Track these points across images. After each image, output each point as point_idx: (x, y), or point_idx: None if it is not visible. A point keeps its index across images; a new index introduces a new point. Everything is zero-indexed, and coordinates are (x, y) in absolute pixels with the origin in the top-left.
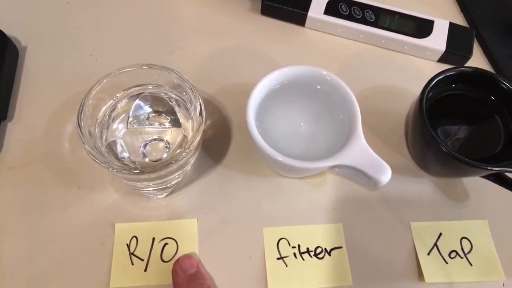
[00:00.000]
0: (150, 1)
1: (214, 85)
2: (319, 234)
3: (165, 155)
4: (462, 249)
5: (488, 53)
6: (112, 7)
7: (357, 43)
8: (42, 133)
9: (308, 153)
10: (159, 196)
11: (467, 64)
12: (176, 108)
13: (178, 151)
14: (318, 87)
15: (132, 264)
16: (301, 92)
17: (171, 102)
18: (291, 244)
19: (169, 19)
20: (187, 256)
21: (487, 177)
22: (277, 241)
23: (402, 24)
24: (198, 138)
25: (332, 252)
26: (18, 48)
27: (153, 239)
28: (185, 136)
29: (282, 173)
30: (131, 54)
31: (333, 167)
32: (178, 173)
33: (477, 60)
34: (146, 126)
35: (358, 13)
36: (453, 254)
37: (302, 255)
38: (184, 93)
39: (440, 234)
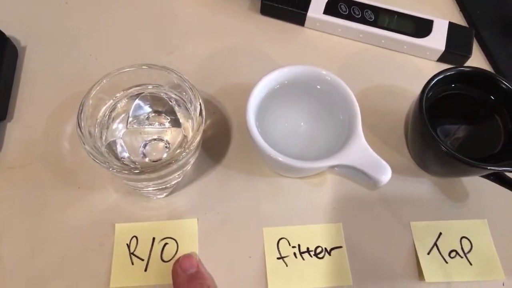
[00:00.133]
0: (149, 1)
1: (213, 85)
2: (319, 234)
3: (165, 155)
4: (462, 248)
5: (488, 53)
6: (112, 7)
7: (356, 43)
8: (41, 133)
9: (308, 153)
10: (159, 196)
11: (466, 64)
12: (176, 108)
13: (178, 151)
14: (318, 87)
15: (132, 264)
16: (301, 92)
17: (171, 102)
18: (291, 244)
19: (168, 19)
20: (187, 256)
21: (487, 176)
22: (277, 241)
23: (401, 23)
24: (198, 138)
25: (332, 252)
26: (17, 48)
27: (153, 239)
28: (185, 136)
29: (282, 173)
30: (131, 54)
31: (333, 166)
32: (178, 173)
33: (477, 60)
34: (146, 126)
35: (357, 13)
36: (453, 254)
37: (302, 254)
38: (184, 93)
39: (440, 233)
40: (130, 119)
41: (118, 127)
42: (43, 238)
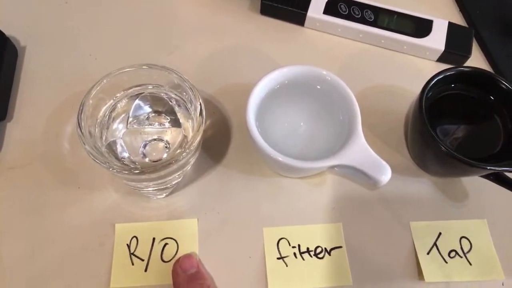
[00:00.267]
0: (149, 1)
1: (213, 85)
2: (319, 234)
3: (165, 155)
4: (461, 248)
5: (487, 53)
6: (112, 7)
7: (356, 43)
8: (41, 133)
9: (308, 153)
10: (159, 196)
11: (466, 64)
12: (176, 108)
13: (178, 151)
14: (318, 87)
15: (133, 264)
16: (301, 92)
17: (171, 102)
18: (291, 244)
19: (168, 19)
20: (187, 256)
21: (487, 176)
22: (277, 241)
23: (401, 23)
24: (198, 138)
25: (332, 252)
26: (17, 48)
27: (153, 239)
28: (185, 136)
29: (282, 173)
30: (131, 54)
31: (333, 167)
32: (178, 173)
33: (476, 60)
34: (146, 126)
35: (357, 13)
36: (452, 254)
37: (302, 254)
38: (184, 93)
39: (440, 233)
40: (130, 119)
41: (118, 127)
42: (43, 238)
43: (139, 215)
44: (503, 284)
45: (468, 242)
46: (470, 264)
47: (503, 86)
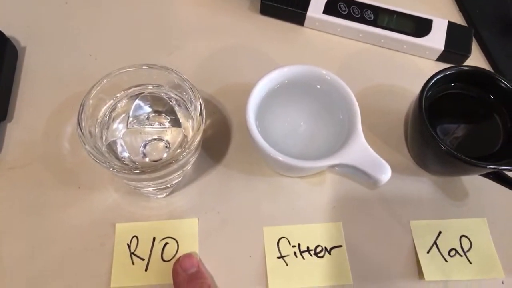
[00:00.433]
0: (149, 1)
1: (213, 85)
2: (319, 233)
3: (165, 155)
4: (461, 247)
5: (487, 52)
6: (112, 7)
7: (356, 43)
8: (41, 134)
9: (307, 152)
10: (159, 196)
11: (465, 63)
12: (176, 108)
13: (178, 151)
14: (318, 86)
15: (133, 263)
16: (301, 92)
17: (171, 102)
18: (291, 243)
19: (168, 19)
20: (188, 256)
21: (486, 175)
22: (277, 240)
23: (400, 23)
24: (198, 138)
25: (332, 251)
26: (17, 49)
27: (154, 238)
28: (185, 136)
29: (282, 172)
30: (131, 54)
31: (333, 166)
32: (178, 173)
33: (476, 59)
34: (146, 126)
35: (357, 13)
36: (452, 252)
37: (302, 254)
38: (184, 93)
39: (440, 232)
40: (130, 119)
41: (119, 127)
42: (43, 238)
43: (139, 214)
44: (503, 283)
45: (468, 241)
46: (470, 263)
47: (503, 85)
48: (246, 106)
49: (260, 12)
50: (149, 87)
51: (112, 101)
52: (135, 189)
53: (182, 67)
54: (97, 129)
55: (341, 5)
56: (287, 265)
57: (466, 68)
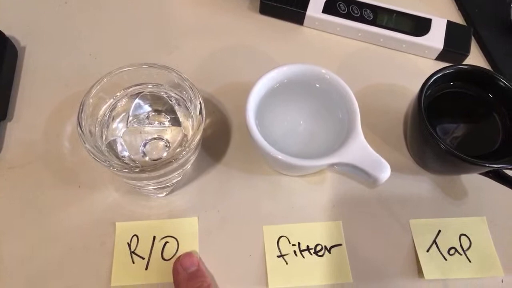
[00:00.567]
0: (149, 1)
1: (213, 84)
2: (318, 232)
3: (165, 154)
4: (461, 246)
5: (486, 51)
6: (111, 7)
7: (355, 42)
8: (41, 133)
9: (307, 151)
10: (159, 195)
11: (464, 62)
12: (176, 107)
13: (178, 150)
14: (317, 85)
15: (133, 262)
16: (300, 91)
17: (171, 101)
18: (291, 242)
19: (168, 19)
20: (188, 254)
21: (485, 174)
22: (277, 239)
23: (400, 22)
24: (198, 137)
25: (332, 250)
26: (17, 48)
27: (154, 237)
28: (185, 135)
29: (281, 171)
30: (131, 54)
31: (333, 165)
32: (178, 171)
33: (475, 58)
34: (146, 125)
35: (356, 12)
36: (452, 251)
37: (302, 252)
38: (184, 92)
39: (439, 231)
40: (130, 118)
41: (118, 126)
42: (43, 237)
43: (139, 213)
44: (502, 281)
45: (468, 240)
46: (470, 261)
47: (502, 84)
48: (246, 105)
49: (259, 11)
50: (149, 86)
51: (112, 100)
52: (135, 188)
53: (182, 66)
54: (97, 128)
55: (340, 5)
56: (287, 263)
57: (465, 67)
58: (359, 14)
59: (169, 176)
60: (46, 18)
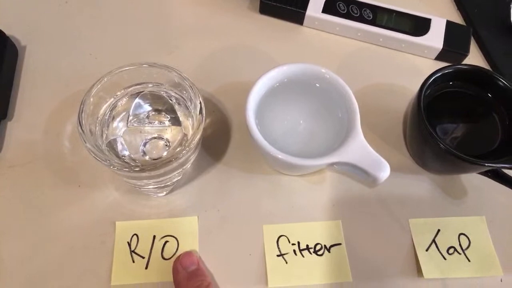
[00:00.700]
0: (149, 1)
1: (213, 84)
2: (318, 231)
3: (165, 153)
4: (460, 245)
5: (485, 51)
6: (111, 7)
7: (355, 41)
8: (42, 132)
9: (307, 150)
10: (159, 194)
11: (464, 62)
12: (176, 107)
13: (178, 149)
14: (317, 85)
15: (133, 261)
16: (300, 90)
17: (171, 100)
18: (291, 241)
19: (168, 19)
20: (188, 254)
21: (485, 173)
22: (277, 238)
23: (399, 22)
24: (198, 136)
25: (332, 249)
26: (17, 48)
27: (154, 237)
28: (185, 135)
29: (281, 170)
30: (131, 53)
31: (332, 164)
32: (178, 171)
33: (474, 58)
34: (146, 125)
35: (356, 12)
36: (451, 250)
37: (302, 252)
38: (184, 92)
39: (438, 230)
40: (131, 117)
41: (119, 126)
42: (44, 236)
43: (139, 213)
44: (501, 280)
45: (467, 239)
46: (469, 261)
47: (501, 83)
48: (246, 104)
49: (259, 11)
50: (149, 85)
51: (112, 99)
52: (135, 187)
53: (182, 66)
54: (97, 127)
55: (340, 4)
56: (286, 263)
57: (465, 67)
58: (358, 14)
59: (169, 176)
60: (47, 18)
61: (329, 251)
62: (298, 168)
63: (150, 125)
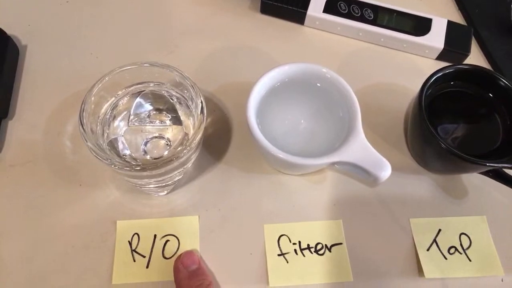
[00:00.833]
0: (150, 0)
1: (214, 84)
2: (319, 231)
3: (166, 152)
4: (461, 245)
5: (486, 51)
6: (112, 6)
7: (356, 41)
8: (43, 131)
9: (308, 150)
10: (160, 194)
11: (465, 62)
12: (177, 106)
13: (179, 148)
14: (318, 84)
15: (134, 261)
16: (301, 90)
17: (172, 100)
18: (291, 241)
19: (169, 18)
20: (189, 253)
21: (486, 173)
22: (277, 237)
23: (400, 22)
24: (199, 136)
25: (333, 248)
26: (18, 47)
27: (155, 236)
28: (186, 134)
29: (282, 170)
30: (131, 53)
31: (333, 163)
32: (179, 170)
33: (475, 58)
34: (147, 124)
35: (357, 11)
36: (452, 250)
37: (303, 251)
38: (185, 91)
39: (439, 230)
40: (132, 116)
41: (120, 125)
42: (44, 235)
43: (140, 212)
44: (502, 280)
45: (468, 239)
46: (470, 261)
47: (502, 83)
48: (247, 104)
49: (260, 11)
50: (151, 85)
51: (113, 98)
52: (136, 186)
53: (183, 65)
54: (98, 127)
55: (341, 4)
56: (287, 262)
57: (466, 67)
58: (359, 13)
59: (170, 175)
60: (48, 17)
61: (330, 251)
62: (299, 168)
63: (151, 124)
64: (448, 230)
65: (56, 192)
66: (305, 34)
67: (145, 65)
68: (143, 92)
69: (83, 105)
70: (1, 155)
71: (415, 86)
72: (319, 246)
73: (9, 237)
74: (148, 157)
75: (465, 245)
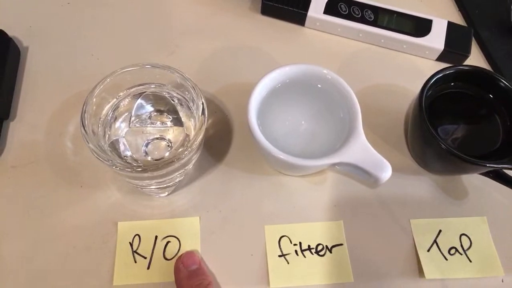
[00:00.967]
0: (150, 1)
1: (214, 85)
2: (320, 232)
3: (167, 153)
4: (461, 245)
5: (486, 52)
6: (113, 7)
7: (356, 42)
8: (44, 133)
9: (309, 151)
10: (161, 195)
11: (465, 63)
12: (178, 107)
13: (180, 149)
14: (319, 85)
15: (135, 262)
16: (302, 91)
17: (173, 101)
18: (292, 242)
19: (169, 19)
20: (190, 253)
21: (486, 174)
22: (278, 238)
23: (400, 23)
24: (200, 137)
25: (333, 249)
26: (20, 48)
27: (156, 237)
28: (187, 135)
29: (283, 171)
30: (132, 54)
31: (334, 164)
32: (180, 171)
33: (475, 59)
34: (148, 125)
35: (357, 13)
36: (452, 251)
37: (304, 252)
38: (186, 92)
39: (440, 231)
40: (133, 118)
41: (121, 126)
42: (45, 236)
43: (141, 213)
44: (502, 281)
45: (468, 240)
46: (470, 261)
47: (502, 84)
48: (248, 105)
49: (261, 12)
50: (152, 86)
51: (115, 100)
52: (137, 188)
53: (184, 67)
54: (100, 128)
55: (342, 5)
56: (288, 263)
57: (466, 68)
58: (360, 15)
59: (171, 176)
60: (49, 19)
61: (330, 252)
62: (300, 169)
63: (152, 125)
64: (449, 231)
65: (57, 193)
66: (306, 35)
67: (146, 66)
68: (144, 94)
69: (84, 107)
70: (2, 156)
71: (415, 87)
72: (319, 247)
73: (10, 238)
74: (149, 158)
75: (466, 246)
